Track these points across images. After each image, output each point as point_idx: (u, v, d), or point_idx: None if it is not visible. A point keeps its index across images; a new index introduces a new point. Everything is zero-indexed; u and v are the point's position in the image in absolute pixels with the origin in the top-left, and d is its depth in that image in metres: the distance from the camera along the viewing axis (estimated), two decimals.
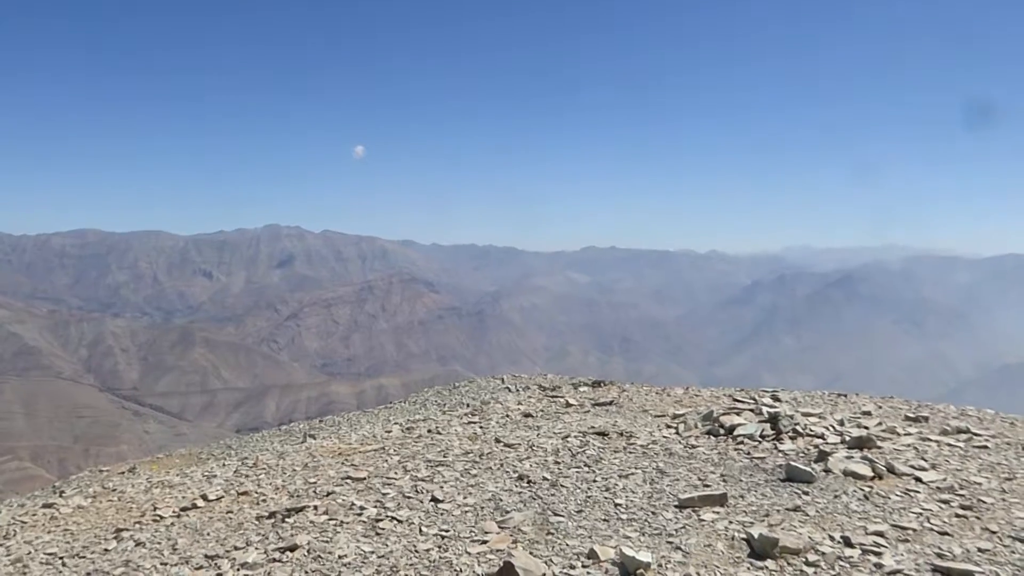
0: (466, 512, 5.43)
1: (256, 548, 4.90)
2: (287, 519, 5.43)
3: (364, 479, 6.37)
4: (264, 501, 6.06)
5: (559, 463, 6.70)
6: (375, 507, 5.58)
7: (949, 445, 7.41)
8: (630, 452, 7.01)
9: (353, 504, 5.65)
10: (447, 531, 5.01)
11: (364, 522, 5.26)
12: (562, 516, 5.25)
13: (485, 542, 4.77)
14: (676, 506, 5.40)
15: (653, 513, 5.27)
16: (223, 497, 6.25)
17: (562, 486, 5.98)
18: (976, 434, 7.98)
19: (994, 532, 5.06)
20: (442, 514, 5.39)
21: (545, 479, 6.18)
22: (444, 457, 7.05)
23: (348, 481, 6.35)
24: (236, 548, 4.94)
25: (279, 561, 4.64)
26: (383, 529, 5.11)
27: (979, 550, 4.73)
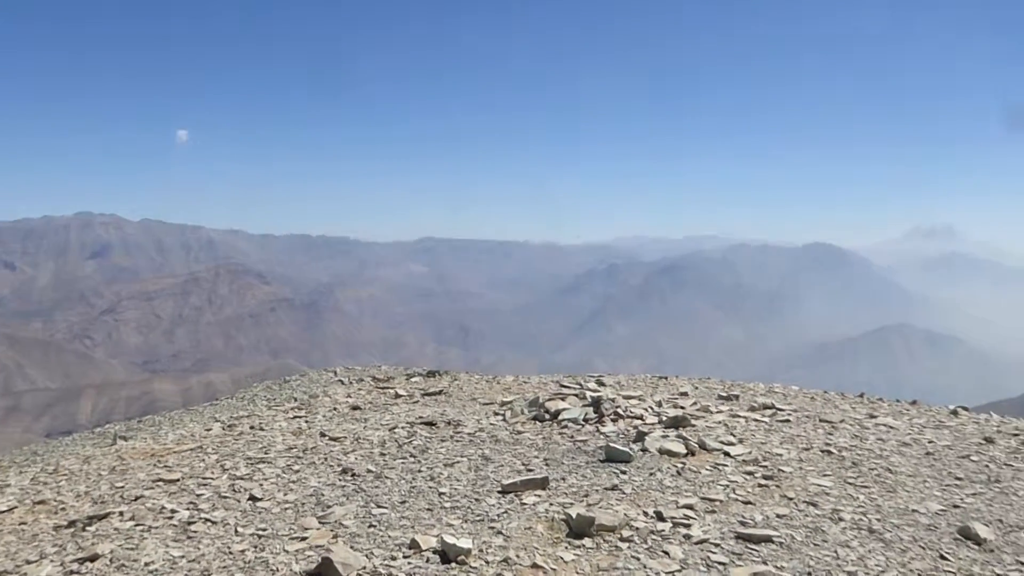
0: (286, 509, 5.26)
1: (51, 561, 4.54)
2: (88, 527, 5.06)
3: (177, 480, 6.04)
4: (64, 510, 5.62)
5: (385, 455, 6.63)
6: (188, 509, 5.31)
7: (756, 420, 7.91)
8: (457, 440, 7.05)
9: (163, 508, 5.35)
10: (265, 530, 4.83)
11: (175, 526, 4.98)
12: (385, 508, 5.19)
13: (304, 539, 4.64)
14: (499, 492, 5.47)
15: (477, 500, 5.31)
16: (16, 508, 5.75)
17: (387, 478, 5.92)
18: (780, 409, 8.57)
19: (791, 499, 5.45)
20: (260, 513, 5.20)
21: (370, 471, 6.09)
22: (266, 454, 6.81)
23: (160, 484, 6.01)
24: (28, 562, 4.55)
25: (77, 573, 4.32)
26: (195, 532, 4.86)
27: (777, 516, 5.07)
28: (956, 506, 5.54)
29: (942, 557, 4.56)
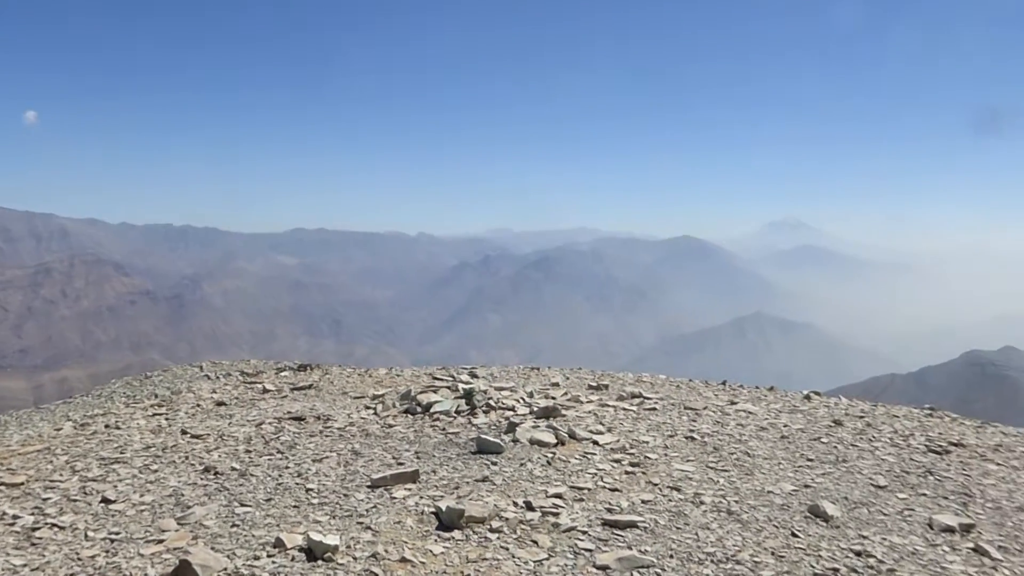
0: (142, 511, 5.00)
1: None
2: None
3: (22, 484, 5.65)
4: None
5: (251, 452, 6.42)
6: (32, 515, 4.96)
7: (624, 409, 8.11)
8: (327, 435, 6.90)
9: (5, 514, 4.99)
10: (118, 534, 4.58)
11: (17, 532, 4.65)
12: (250, 506, 5.02)
13: (161, 541, 4.42)
14: (369, 486, 5.39)
15: (345, 495, 5.21)
16: None
17: (252, 475, 5.73)
18: (647, 398, 8.82)
19: (656, 484, 5.62)
20: (113, 516, 4.92)
21: (234, 469, 5.88)
22: (121, 453, 6.46)
23: (1, 488, 5.61)
24: None
25: None
26: (40, 539, 4.55)
27: (643, 501, 5.22)
28: (807, 486, 5.85)
29: (793, 535, 4.80)
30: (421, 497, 5.16)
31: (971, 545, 4.88)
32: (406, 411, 7.71)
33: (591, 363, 13.47)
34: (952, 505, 5.72)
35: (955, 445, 7.58)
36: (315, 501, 5.12)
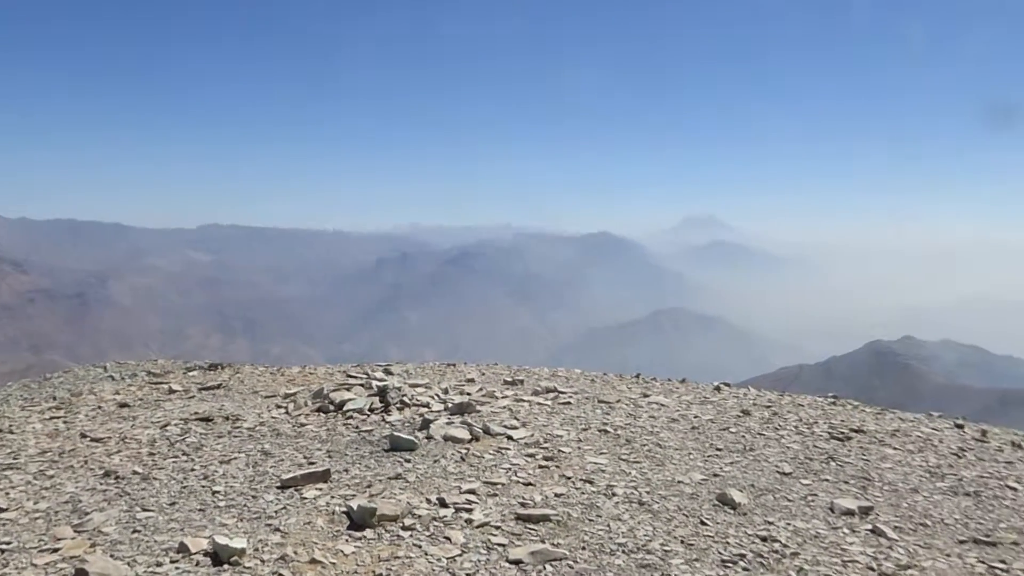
0: (36, 519, 4.77)
1: None
2: None
3: None
4: None
5: (154, 454, 6.20)
6: None
7: (539, 404, 8.15)
8: (235, 436, 6.72)
9: None
10: (9, 543, 4.35)
11: None
12: (152, 511, 4.85)
13: (56, 550, 4.22)
14: (279, 487, 5.27)
15: (254, 497, 5.08)
16: None
17: (155, 479, 5.53)
18: (562, 392, 8.88)
19: (569, 477, 5.65)
20: (5, 524, 4.67)
21: (136, 473, 5.67)
22: (15, 459, 6.15)
23: None
24: None
25: None
26: None
27: (556, 495, 5.24)
28: (716, 475, 5.99)
29: (702, 523, 4.90)
30: (332, 496, 5.07)
31: (869, 527, 5.07)
32: (319, 410, 7.58)
33: (511, 359, 13.50)
34: (852, 489, 5.94)
35: (856, 431, 7.87)
36: (222, 504, 4.98)
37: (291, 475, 5.38)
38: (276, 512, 4.78)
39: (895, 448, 7.39)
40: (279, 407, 7.88)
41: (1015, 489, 6.34)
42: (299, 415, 7.43)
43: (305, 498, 5.04)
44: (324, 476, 5.40)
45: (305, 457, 6.04)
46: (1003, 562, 4.67)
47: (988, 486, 6.36)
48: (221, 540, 4.12)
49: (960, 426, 8.82)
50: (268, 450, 6.24)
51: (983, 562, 4.65)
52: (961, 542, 5.00)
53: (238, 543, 4.13)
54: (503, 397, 8.39)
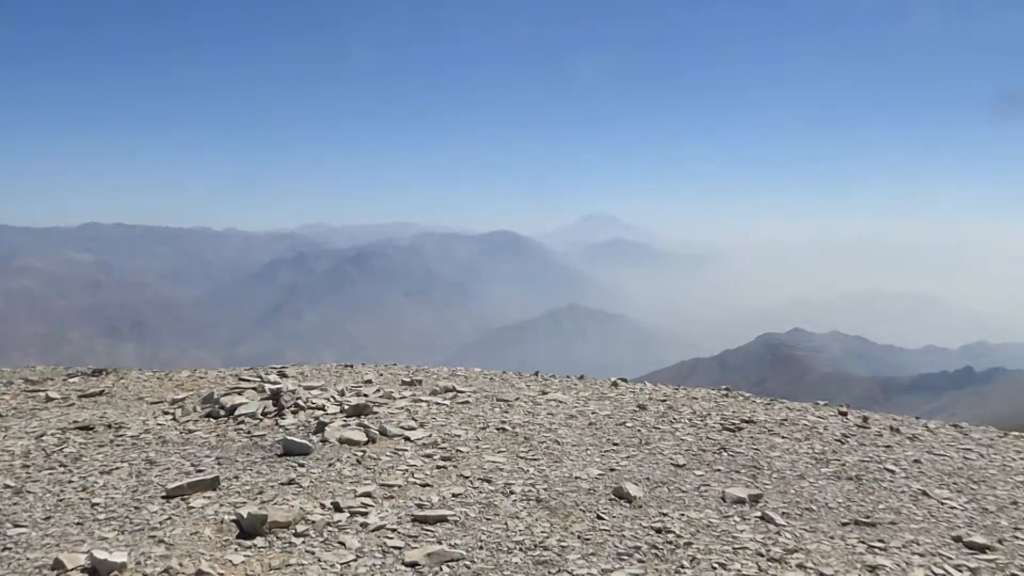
0: None
1: None
2: None
3: None
4: None
5: (28, 467, 5.84)
6: None
7: (437, 404, 8.08)
8: (118, 445, 6.40)
9: None
10: None
11: None
12: (25, 527, 4.56)
13: None
14: (163, 497, 5.04)
15: (137, 508, 4.84)
16: None
17: (29, 492, 5.21)
18: (460, 391, 8.83)
19: (467, 477, 5.61)
20: None
21: (8, 487, 5.32)
22: None
23: None
24: None
25: None
26: None
27: (453, 495, 5.19)
28: (612, 469, 6.05)
29: (599, 517, 4.94)
30: (221, 505, 4.88)
31: (759, 514, 5.21)
32: (208, 415, 7.31)
33: (411, 359, 13.39)
34: (743, 478, 6.11)
35: (747, 422, 8.11)
36: (102, 516, 4.72)
37: (177, 484, 5.15)
38: (160, 523, 4.57)
39: (783, 437, 7.64)
40: (166, 413, 7.56)
41: (893, 472, 6.65)
42: (187, 421, 7.15)
43: (192, 507, 4.84)
44: (213, 484, 5.20)
45: (193, 465, 5.80)
46: (881, 541, 4.88)
47: (869, 470, 6.65)
48: (100, 555, 3.91)
49: (844, 413, 9.20)
50: (153, 459, 5.97)
51: (863, 542, 4.84)
52: (844, 524, 5.20)
53: (118, 557, 3.93)
54: (401, 398, 8.28)
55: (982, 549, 4.88)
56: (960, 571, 4.50)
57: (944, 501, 5.93)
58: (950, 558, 4.68)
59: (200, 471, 5.60)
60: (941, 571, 4.47)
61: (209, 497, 5.03)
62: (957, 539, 5.04)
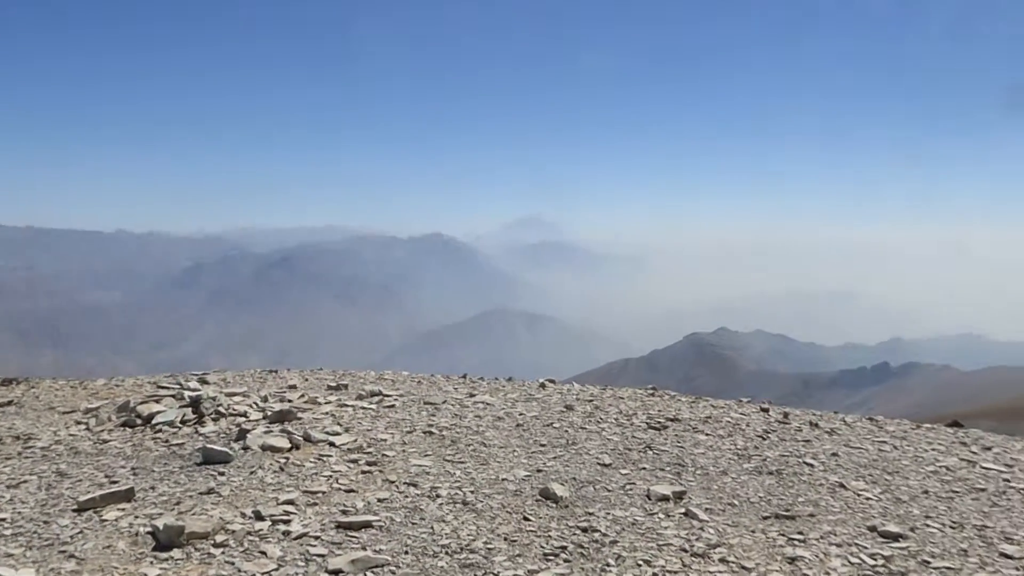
0: None
1: None
2: None
3: None
4: None
5: None
6: None
7: (363, 408, 7.98)
8: (26, 457, 6.13)
9: None
10: None
11: None
12: None
13: None
14: (75, 510, 4.84)
15: (46, 523, 4.64)
16: None
17: None
18: (387, 395, 8.74)
19: (393, 482, 5.55)
20: None
21: None
22: None
23: None
24: None
25: None
26: None
27: (379, 500, 5.13)
28: (539, 470, 6.06)
29: (525, 518, 4.94)
30: (136, 516, 4.72)
31: (683, 510, 5.29)
32: (124, 424, 7.06)
33: (340, 363, 13.22)
34: (668, 475, 6.18)
35: (672, 420, 8.22)
36: (8, 532, 4.51)
37: (89, 496, 4.96)
38: (71, 537, 4.40)
39: (707, 434, 7.77)
40: (79, 423, 7.28)
41: (812, 465, 6.82)
42: (101, 431, 6.90)
43: (105, 520, 4.67)
44: (127, 495, 5.03)
45: (107, 476, 5.59)
46: (801, 533, 5.00)
47: (788, 464, 6.81)
48: (5, 572, 3.75)
49: (765, 410, 9.41)
50: (64, 471, 5.74)
51: (783, 535, 4.95)
52: (765, 518, 5.30)
53: (25, 574, 3.77)
54: (326, 403, 8.15)
55: (895, 537, 5.04)
56: (875, 559, 4.63)
57: (860, 492, 6.10)
58: (865, 547, 4.82)
59: (114, 482, 5.41)
60: (857, 560, 4.60)
61: (123, 509, 4.85)
62: (872, 529, 5.19)
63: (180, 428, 6.90)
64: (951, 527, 5.39)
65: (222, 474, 5.59)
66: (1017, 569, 4.65)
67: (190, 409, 7.32)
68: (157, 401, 7.67)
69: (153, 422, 6.98)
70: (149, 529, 4.47)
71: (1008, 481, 6.84)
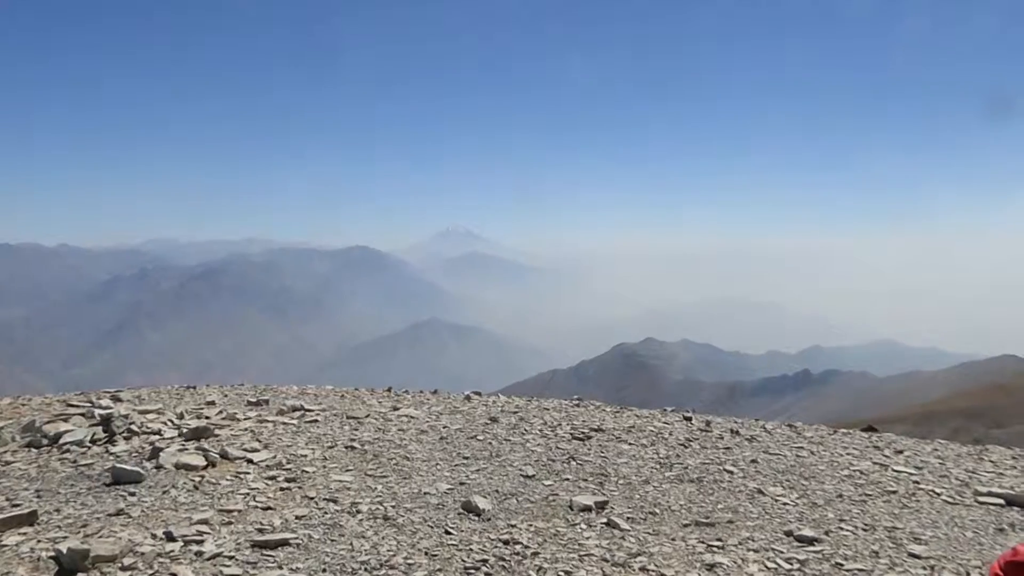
0: None
1: None
2: None
3: None
4: None
5: None
6: None
7: (284, 424, 7.82)
8: None
9: None
10: None
11: None
12: None
13: None
14: None
15: None
16: None
17: None
18: (309, 410, 8.59)
19: (312, 498, 5.44)
20: None
21: None
22: None
23: None
24: None
25: None
26: None
27: (297, 517, 5.01)
28: (463, 483, 6.02)
29: (447, 532, 4.89)
30: (39, 541, 4.50)
31: (605, 520, 5.31)
32: (29, 445, 6.75)
33: (266, 379, 12.96)
34: (591, 486, 6.21)
35: (596, 431, 8.27)
36: None
37: None
38: None
39: (630, 443, 7.84)
40: None
41: (732, 472, 6.94)
42: (4, 452, 6.59)
43: (5, 545, 4.44)
44: (30, 519, 4.79)
45: (8, 499, 5.33)
46: (720, 540, 5.07)
47: (709, 471, 6.92)
48: None
49: (688, 418, 9.55)
50: None
51: (703, 542, 5.01)
52: (685, 526, 5.37)
53: None
54: (245, 419, 7.96)
55: (811, 541, 5.15)
56: (791, 563, 4.72)
57: (778, 498, 6.23)
58: (782, 552, 4.92)
59: (16, 506, 5.15)
60: (774, 565, 4.69)
61: (25, 533, 4.63)
62: (788, 533, 5.30)
63: (89, 448, 6.64)
64: (863, 529, 5.54)
65: (132, 494, 5.39)
66: (924, 568, 4.80)
67: (100, 428, 7.04)
68: (65, 420, 7.37)
69: (60, 442, 6.69)
70: (52, 554, 4.27)
71: (918, 483, 7.08)
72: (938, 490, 6.87)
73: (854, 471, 7.37)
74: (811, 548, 5.04)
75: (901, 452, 8.57)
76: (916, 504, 6.37)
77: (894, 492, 6.69)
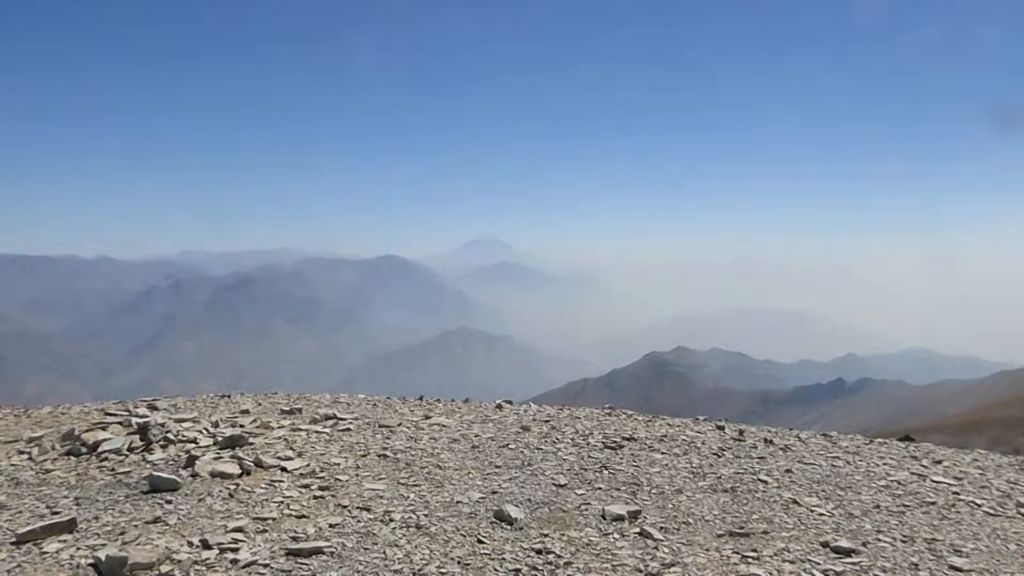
0: None
1: None
2: None
3: None
4: None
5: None
6: None
7: (317, 432, 7.86)
8: None
9: None
10: None
11: None
12: None
13: None
14: (13, 543, 4.68)
15: None
16: None
17: None
18: (341, 418, 8.63)
19: (345, 506, 5.47)
20: None
21: None
22: None
23: None
24: None
25: None
26: None
27: (330, 526, 5.04)
28: (495, 492, 6.02)
29: (480, 541, 4.89)
30: (78, 548, 4.57)
31: (638, 530, 5.29)
32: (68, 453, 6.86)
33: (297, 387, 13.04)
34: (623, 495, 6.18)
35: (628, 439, 8.23)
36: None
37: (29, 528, 4.79)
38: (8, 571, 4.24)
39: (663, 453, 7.79)
40: (21, 453, 7.06)
41: (766, 482, 6.87)
42: (44, 460, 6.70)
43: (46, 552, 4.51)
44: (69, 526, 4.87)
45: (48, 507, 5.42)
46: (755, 550, 5.02)
47: (743, 481, 6.85)
48: None
49: (721, 427, 9.47)
50: (3, 502, 5.55)
51: (737, 552, 4.97)
52: (719, 536, 5.32)
53: None
54: (279, 427, 8.01)
55: (848, 553, 5.08)
56: (827, 575, 4.66)
57: (813, 508, 6.16)
58: (818, 563, 4.85)
59: (56, 513, 5.24)
60: None
61: (65, 541, 4.70)
62: (825, 544, 5.23)
63: (127, 456, 6.73)
64: (902, 541, 5.46)
65: (169, 502, 5.45)
66: None
67: (138, 436, 7.13)
68: (103, 428, 7.47)
69: (99, 450, 6.79)
70: (91, 561, 4.34)
71: (957, 494, 6.96)
72: (979, 501, 6.75)
73: (891, 481, 7.27)
74: (848, 560, 4.97)
75: (940, 462, 8.42)
76: (956, 515, 6.26)
77: (933, 503, 6.58)
